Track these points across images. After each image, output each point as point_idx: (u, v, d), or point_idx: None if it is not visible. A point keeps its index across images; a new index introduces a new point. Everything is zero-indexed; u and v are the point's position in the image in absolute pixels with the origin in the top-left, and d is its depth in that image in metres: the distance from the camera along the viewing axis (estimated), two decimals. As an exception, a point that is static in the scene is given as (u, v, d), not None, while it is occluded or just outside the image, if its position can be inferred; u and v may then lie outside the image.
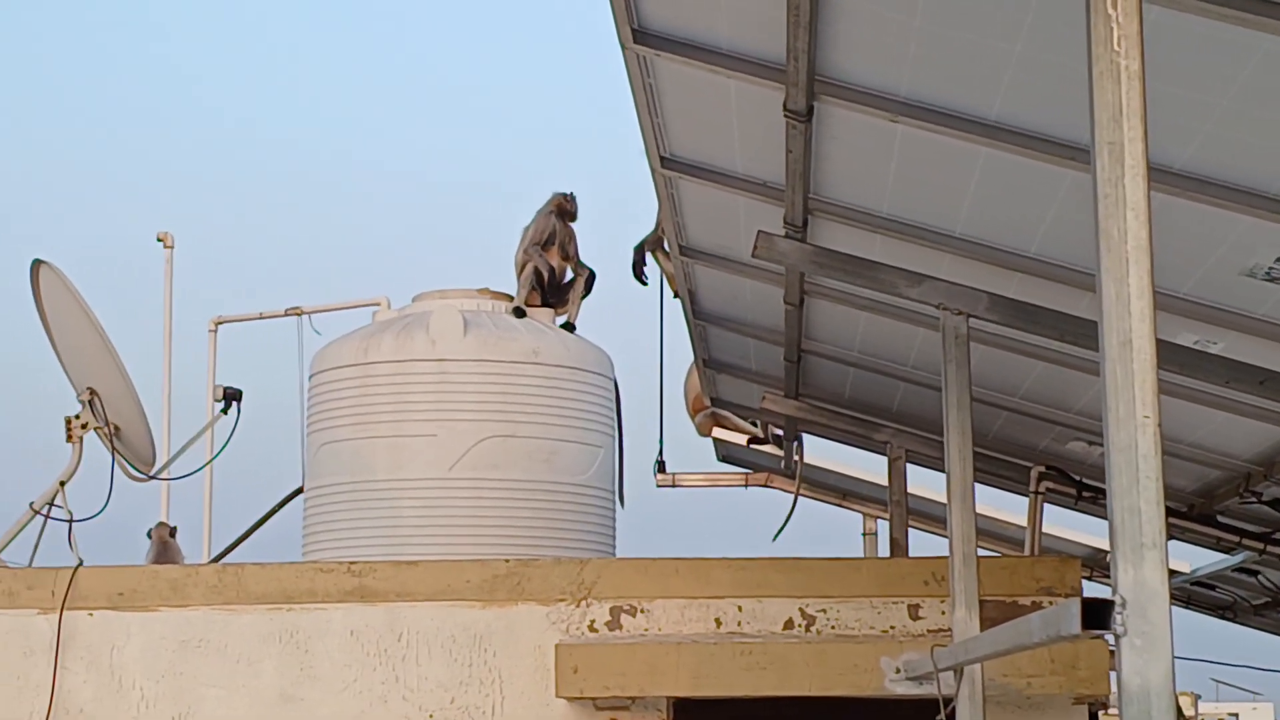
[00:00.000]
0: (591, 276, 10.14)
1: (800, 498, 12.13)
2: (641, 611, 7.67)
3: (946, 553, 6.23)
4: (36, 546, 8.64)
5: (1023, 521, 9.89)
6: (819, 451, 11.80)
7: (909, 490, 10.01)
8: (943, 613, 7.49)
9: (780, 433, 11.73)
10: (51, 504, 8.67)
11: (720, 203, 6.83)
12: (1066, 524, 11.23)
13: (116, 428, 8.81)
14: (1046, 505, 9.29)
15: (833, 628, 7.62)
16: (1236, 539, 8.85)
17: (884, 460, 10.02)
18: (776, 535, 11.67)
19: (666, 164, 6.48)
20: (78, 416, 8.79)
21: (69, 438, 8.78)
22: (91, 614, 7.83)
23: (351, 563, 7.90)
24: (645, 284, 11.14)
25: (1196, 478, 8.46)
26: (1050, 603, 7.40)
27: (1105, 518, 3.59)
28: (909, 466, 9.94)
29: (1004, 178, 5.52)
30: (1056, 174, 5.19)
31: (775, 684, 7.35)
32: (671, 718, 7.62)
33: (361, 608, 7.75)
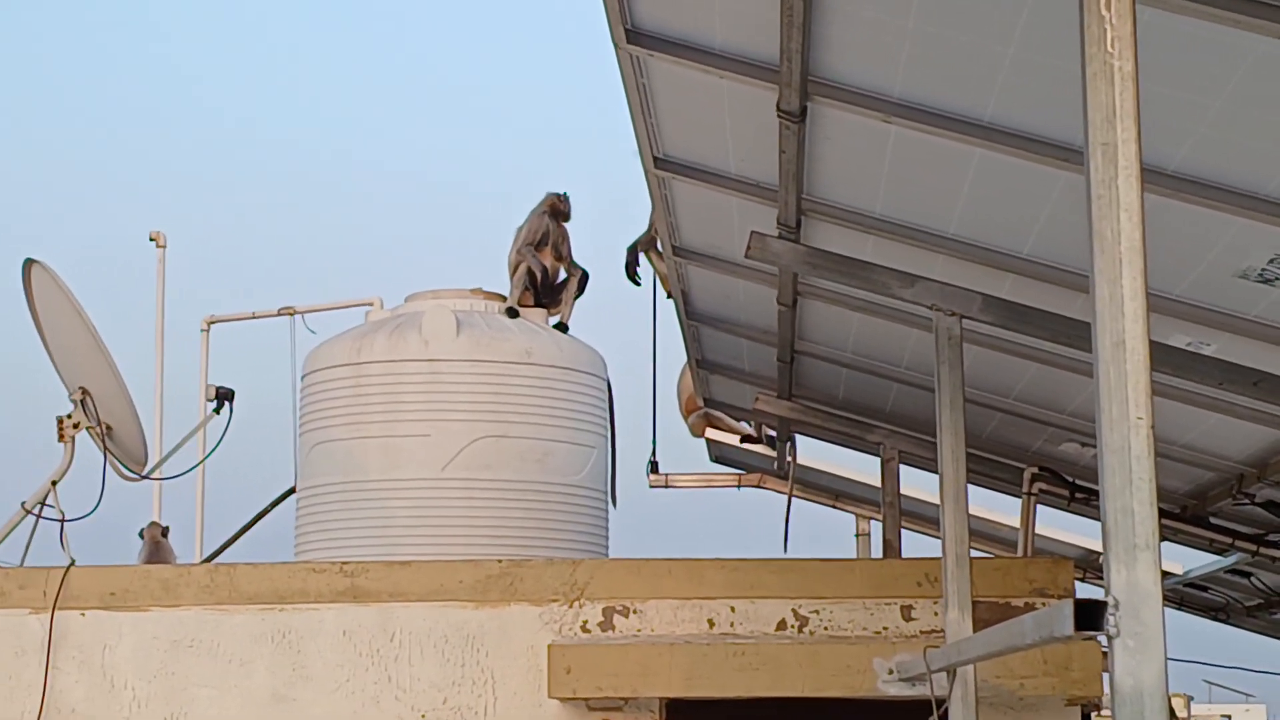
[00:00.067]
0: (585, 277, 10.14)
1: (797, 497, 12.13)
2: (634, 612, 7.66)
3: (939, 554, 6.23)
4: (28, 546, 8.63)
5: (1016, 523, 9.89)
6: (812, 452, 11.81)
7: (902, 491, 10.01)
8: (936, 614, 7.48)
9: (773, 433, 11.73)
10: (43, 503, 8.66)
11: (713, 203, 6.83)
12: (1059, 525, 11.23)
13: (109, 427, 8.80)
14: (1039, 506, 9.28)
15: (826, 629, 7.62)
16: (1229, 540, 8.85)
17: (877, 461, 10.02)
18: (786, 543, 11.70)
19: (660, 164, 6.48)
20: (70, 416, 8.78)
21: (61, 437, 8.77)
22: (83, 614, 7.82)
23: (344, 563, 7.89)
24: (638, 284, 11.15)
25: (1189, 479, 8.46)
26: (1043, 604, 7.40)
27: (1098, 519, 3.59)
28: (902, 467, 9.93)
29: (997, 179, 5.52)
30: (1050, 175, 5.19)
31: (768, 685, 7.34)
32: (664, 718, 7.61)
33: (354, 608, 7.75)
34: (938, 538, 6.28)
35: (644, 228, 10.93)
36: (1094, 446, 3.59)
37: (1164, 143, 4.69)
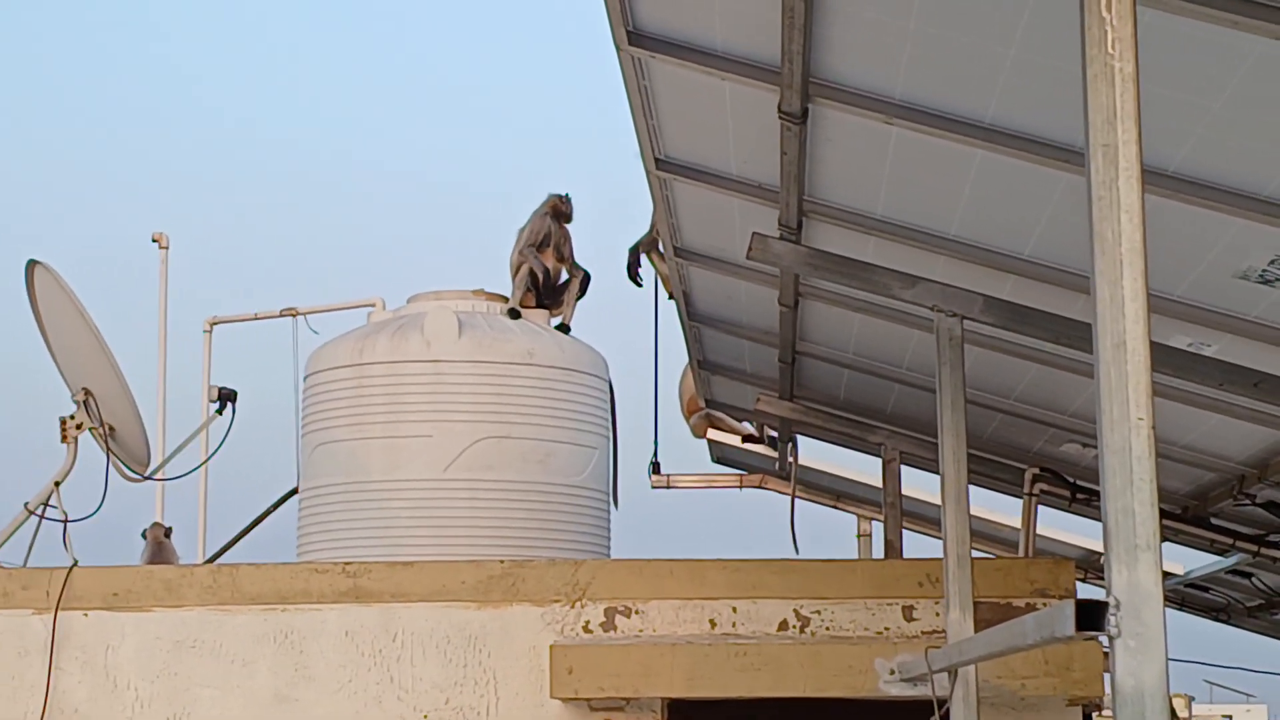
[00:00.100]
0: (586, 278, 10.15)
1: (798, 498, 12.14)
2: (636, 612, 7.67)
3: (941, 554, 6.24)
4: (31, 547, 8.64)
5: (1017, 523, 9.90)
6: (813, 453, 11.81)
7: (903, 492, 10.01)
8: (937, 614, 7.49)
9: (774, 434, 11.73)
10: (46, 504, 8.67)
11: (715, 204, 6.84)
12: (1060, 526, 11.23)
13: (111, 428, 8.81)
14: (1041, 507, 9.29)
15: (827, 629, 7.63)
16: (1230, 541, 8.86)
17: (878, 462, 10.02)
18: (796, 545, 11.71)
19: (661, 165, 6.49)
20: (73, 417, 8.79)
21: (64, 438, 8.78)
22: (86, 614, 7.83)
23: (346, 563, 7.90)
24: (640, 285, 11.15)
25: (1190, 480, 8.46)
26: (1044, 604, 7.40)
27: (1099, 520, 3.59)
28: (903, 468, 9.94)
29: (998, 180, 5.53)
30: (1051, 176, 5.20)
31: (770, 685, 7.35)
32: (666, 719, 7.62)
33: (356, 608, 7.76)
34: (939, 538, 6.28)
35: (645, 229, 10.94)
36: (1095, 447, 3.60)
37: (1164, 144, 4.70)
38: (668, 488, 12.41)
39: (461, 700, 7.69)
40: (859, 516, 13.34)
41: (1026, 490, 9.16)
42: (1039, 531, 9.49)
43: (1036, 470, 9.08)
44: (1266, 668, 13.56)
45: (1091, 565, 11.68)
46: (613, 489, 9.81)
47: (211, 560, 10.38)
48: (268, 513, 10.39)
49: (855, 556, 13.04)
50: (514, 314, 9.74)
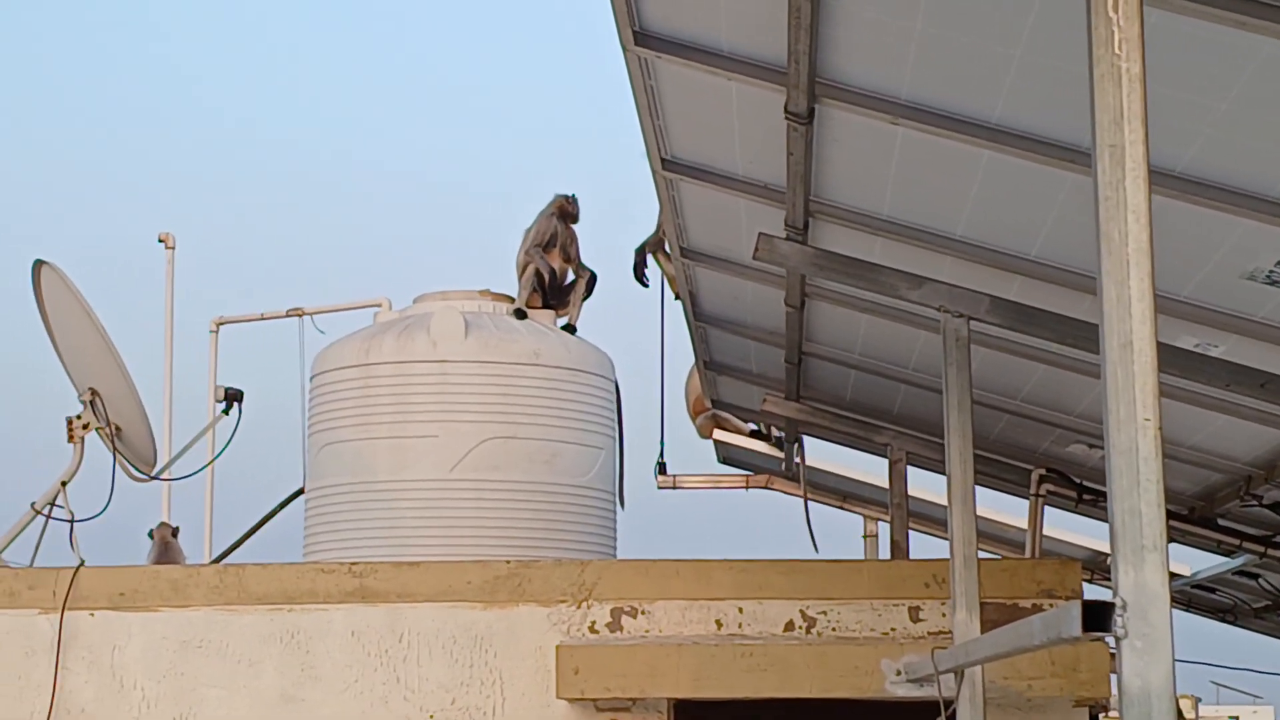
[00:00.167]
0: (593, 278, 10.15)
1: (802, 498, 12.13)
2: (642, 613, 7.67)
3: (947, 555, 6.23)
4: (38, 547, 8.64)
5: (1023, 524, 9.89)
6: (820, 454, 11.81)
7: (910, 493, 10.01)
8: (943, 615, 7.49)
9: (781, 435, 11.73)
10: (53, 504, 8.67)
11: (721, 205, 6.84)
12: (1067, 526, 11.23)
13: (118, 428, 8.82)
14: (1047, 508, 9.29)
15: (833, 630, 7.62)
16: (1237, 542, 8.85)
17: (885, 462, 10.02)
18: (815, 543, 11.73)
19: (668, 166, 6.49)
20: (79, 417, 8.80)
21: (70, 438, 8.78)
22: (93, 614, 7.84)
23: (353, 563, 7.90)
24: (646, 286, 11.15)
25: (1197, 480, 8.46)
26: (1051, 605, 7.40)
27: (1106, 520, 3.59)
28: (910, 469, 9.94)
29: (1005, 180, 5.53)
30: (1057, 177, 5.20)
31: (776, 686, 7.35)
32: (672, 719, 7.62)
33: (363, 608, 7.76)
34: (945, 539, 6.28)
35: (651, 229, 10.94)
36: (1101, 448, 3.60)
37: (1171, 144, 4.70)
38: (674, 488, 12.42)
39: (467, 700, 7.69)
40: (865, 517, 13.34)
41: (1033, 491, 9.16)
42: (1045, 532, 9.49)
43: (1043, 471, 9.08)
44: (1273, 669, 13.56)
45: (1098, 566, 11.67)
46: (619, 489, 9.81)
47: (218, 560, 10.39)
48: (274, 513, 10.39)
49: (861, 557, 13.04)
50: (520, 314, 9.74)
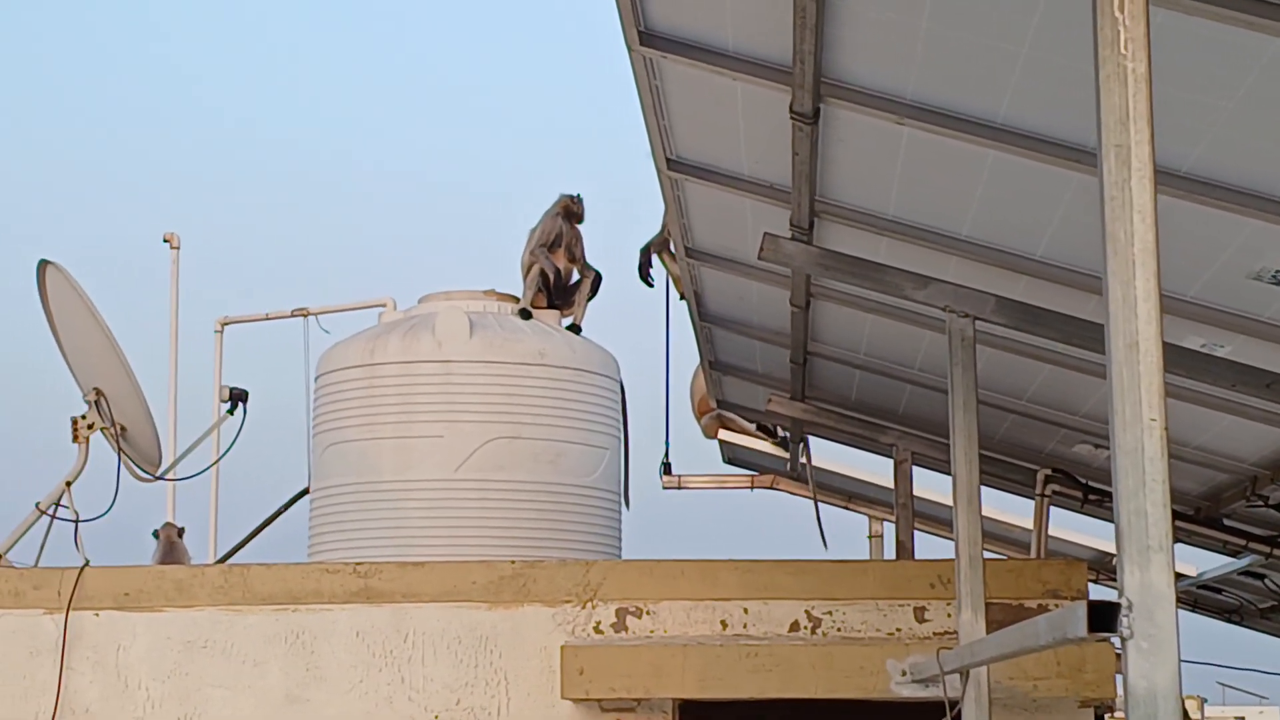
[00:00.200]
0: (598, 278, 10.15)
1: (807, 499, 12.13)
2: (647, 613, 7.67)
3: (952, 555, 6.23)
4: (43, 546, 8.65)
5: (1029, 524, 9.88)
6: (825, 454, 11.81)
7: (915, 493, 10.01)
8: (949, 615, 7.48)
9: (786, 434, 11.73)
10: (58, 504, 8.68)
11: (726, 205, 6.83)
12: (1072, 527, 11.22)
13: (123, 428, 8.82)
14: (1053, 508, 9.28)
15: (839, 630, 7.62)
16: (1243, 542, 8.85)
17: (890, 463, 10.02)
18: (825, 541, 11.75)
19: (673, 166, 6.49)
20: (84, 417, 8.80)
21: (75, 438, 8.79)
22: (97, 614, 7.84)
23: (357, 564, 7.90)
24: (651, 286, 11.16)
25: (1203, 481, 8.45)
26: (1056, 605, 7.40)
27: (1111, 521, 3.58)
28: (915, 469, 9.93)
29: (1010, 180, 5.52)
30: (1063, 177, 5.19)
31: (781, 686, 7.34)
32: (677, 719, 7.62)
33: (367, 608, 7.76)
34: (951, 539, 6.27)
35: (656, 229, 10.94)
36: (1107, 448, 3.59)
37: (1177, 144, 4.69)
38: (679, 488, 12.42)
39: (472, 701, 7.69)
40: (870, 517, 13.34)
41: (1038, 491, 9.15)
42: (1051, 533, 9.48)
43: (1048, 471, 9.07)
44: (1279, 669, 13.55)
45: (1104, 566, 11.66)
46: (624, 489, 9.81)
47: (223, 560, 10.39)
48: (279, 513, 10.39)
49: (867, 557, 13.04)
50: (525, 314, 9.74)
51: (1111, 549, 8.67)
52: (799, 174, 5.86)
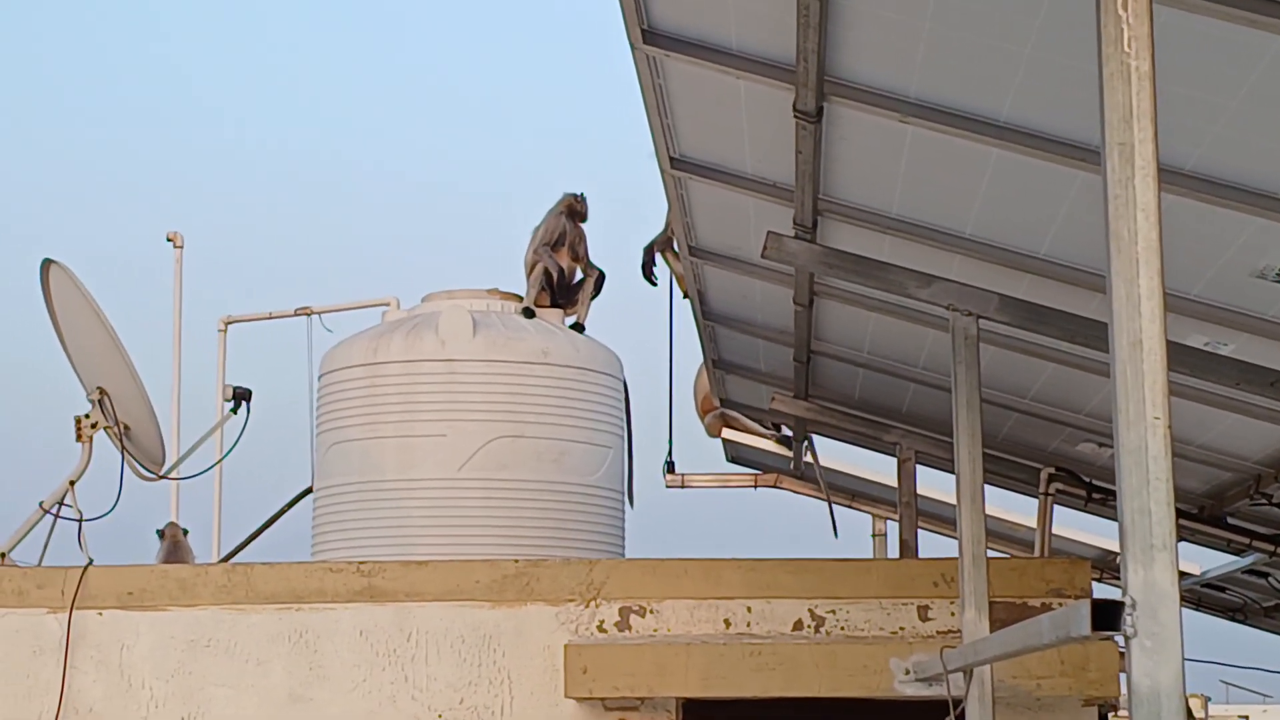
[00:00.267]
0: (601, 277, 10.15)
1: (811, 497, 12.13)
2: (650, 612, 7.66)
3: (956, 554, 6.23)
4: (46, 546, 8.65)
5: (1032, 523, 9.88)
6: (828, 452, 11.81)
7: (918, 491, 10.00)
8: (952, 614, 7.48)
9: (790, 433, 11.73)
10: (61, 503, 8.68)
11: (730, 203, 6.83)
12: (1076, 525, 11.22)
13: (126, 427, 8.82)
14: (1056, 507, 9.28)
15: (842, 629, 7.62)
16: (1247, 541, 8.84)
17: (893, 461, 10.02)
18: (835, 530, 11.79)
19: (676, 164, 6.48)
20: (87, 416, 8.80)
21: (79, 437, 8.79)
22: (101, 613, 7.84)
23: (361, 562, 7.90)
24: (655, 284, 11.15)
25: (1207, 479, 8.45)
26: (1060, 604, 7.39)
27: (1115, 519, 3.58)
28: (918, 468, 9.93)
29: (1014, 179, 5.52)
30: (1067, 175, 5.19)
31: (784, 685, 7.34)
32: (680, 718, 7.61)
33: (371, 607, 7.76)
34: (954, 538, 6.27)
35: (659, 228, 10.94)
36: (1111, 447, 3.59)
37: (1180, 142, 4.69)
38: (682, 487, 12.41)
39: (476, 700, 7.69)
40: (874, 516, 13.33)
41: (1042, 490, 9.15)
42: (1055, 531, 9.47)
43: (1052, 470, 9.07)
44: (1283, 668, 13.54)
45: (1107, 565, 11.66)
46: (627, 488, 9.81)
47: (226, 559, 10.39)
48: (282, 512, 10.40)
49: (870, 556, 13.03)
50: (529, 313, 9.74)
51: (1115, 547, 8.67)
52: (802, 172, 5.86)
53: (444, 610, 7.74)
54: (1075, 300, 6.15)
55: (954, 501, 6.19)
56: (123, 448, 8.77)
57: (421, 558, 8.28)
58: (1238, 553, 9.44)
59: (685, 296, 9.73)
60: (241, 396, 9.81)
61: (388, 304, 11.30)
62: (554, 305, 9.94)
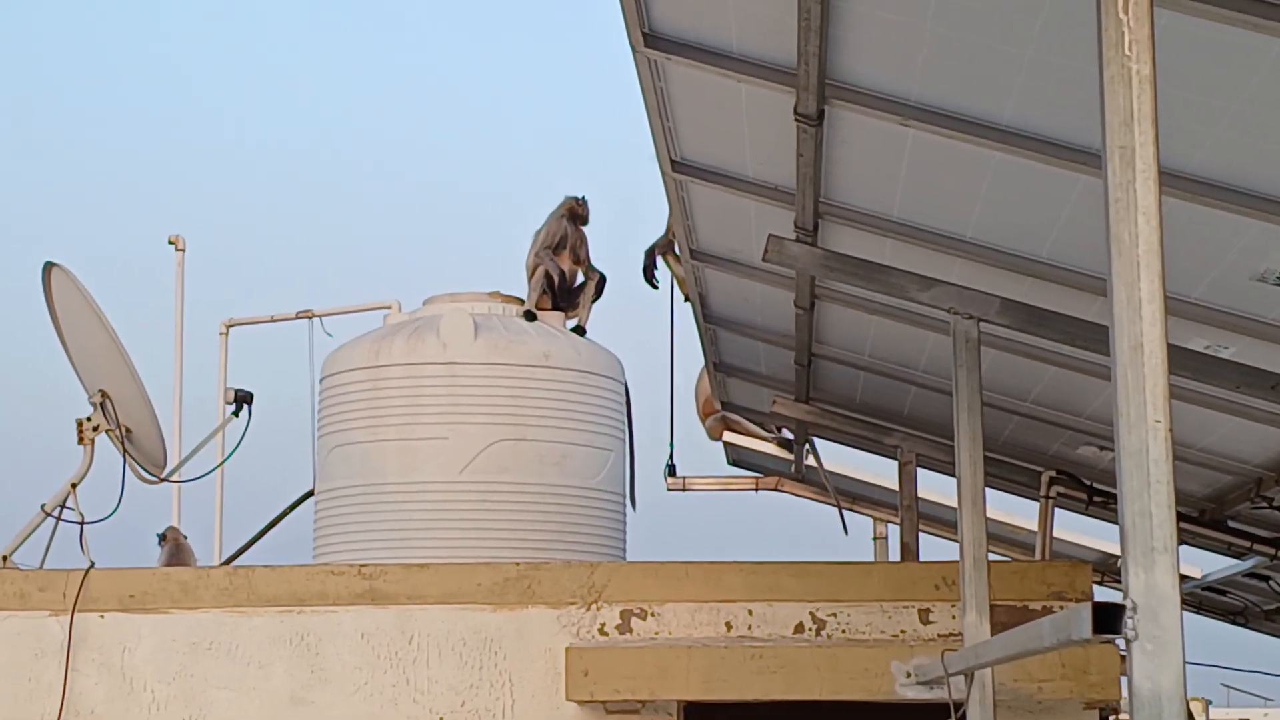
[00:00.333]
0: (602, 280, 10.15)
1: (813, 500, 12.14)
2: (652, 615, 7.67)
3: (957, 557, 6.23)
4: (48, 548, 8.65)
5: (1033, 526, 9.88)
6: (829, 455, 11.81)
7: (919, 495, 10.01)
8: (953, 617, 7.48)
9: (791, 436, 11.73)
10: (63, 506, 8.68)
11: (731, 206, 6.84)
12: (1077, 529, 11.22)
13: (128, 430, 8.82)
14: (1057, 510, 9.28)
15: (843, 632, 7.62)
16: (1248, 544, 8.85)
17: (894, 464, 10.02)
18: (845, 527, 11.81)
19: (677, 168, 6.49)
20: (89, 419, 8.80)
21: (80, 440, 8.79)
22: (103, 616, 7.84)
23: (362, 565, 7.91)
24: (656, 287, 11.16)
25: (1207, 483, 8.45)
26: (1061, 607, 7.39)
27: (1116, 522, 3.59)
28: (919, 471, 9.93)
29: (1015, 182, 5.52)
30: (1068, 178, 5.19)
31: (785, 688, 7.35)
32: (681, 721, 7.62)
33: (372, 610, 7.76)
34: (955, 541, 6.27)
35: (660, 231, 10.94)
36: (1112, 450, 3.59)
37: (1182, 146, 4.69)
38: (683, 490, 12.42)
39: (477, 703, 7.69)
40: (875, 519, 13.34)
41: (1043, 493, 9.15)
42: (1056, 534, 9.47)
43: (1053, 473, 9.07)
44: (1284, 671, 13.53)
45: (1108, 568, 11.66)
46: (628, 491, 9.81)
47: (228, 562, 10.39)
48: (284, 515, 10.40)
49: (871, 559, 13.03)
50: (530, 316, 9.74)
51: (1116, 551, 8.66)
52: (803, 176, 5.86)
53: (445, 613, 7.74)
54: (1076, 303, 6.15)
55: (955, 504, 6.19)
56: (124, 450, 8.77)
57: (423, 561, 8.28)
58: (1238, 556, 9.44)
59: (686, 299, 9.74)
60: (243, 399, 9.81)
61: (389, 307, 11.31)
62: (555, 308, 9.94)
